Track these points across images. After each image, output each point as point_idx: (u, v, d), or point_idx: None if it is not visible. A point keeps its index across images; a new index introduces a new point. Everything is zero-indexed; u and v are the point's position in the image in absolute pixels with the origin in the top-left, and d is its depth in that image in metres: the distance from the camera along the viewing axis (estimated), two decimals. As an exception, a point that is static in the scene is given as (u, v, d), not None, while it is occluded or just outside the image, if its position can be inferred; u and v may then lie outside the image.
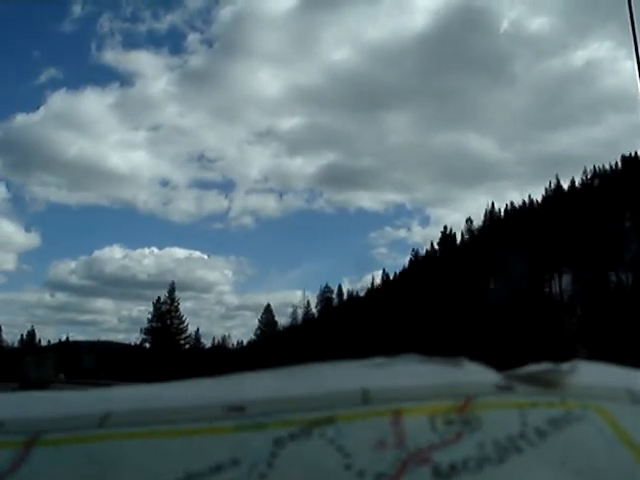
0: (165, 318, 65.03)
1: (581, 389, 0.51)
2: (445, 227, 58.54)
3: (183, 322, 66.21)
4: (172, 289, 64.51)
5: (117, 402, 0.53)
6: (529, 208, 57.15)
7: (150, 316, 61.25)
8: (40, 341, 76.20)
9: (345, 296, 69.38)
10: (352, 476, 0.44)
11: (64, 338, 78.91)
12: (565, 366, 0.54)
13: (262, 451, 0.46)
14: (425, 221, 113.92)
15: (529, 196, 59.66)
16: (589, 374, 0.54)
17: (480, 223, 59.71)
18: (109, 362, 58.04)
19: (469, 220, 60.87)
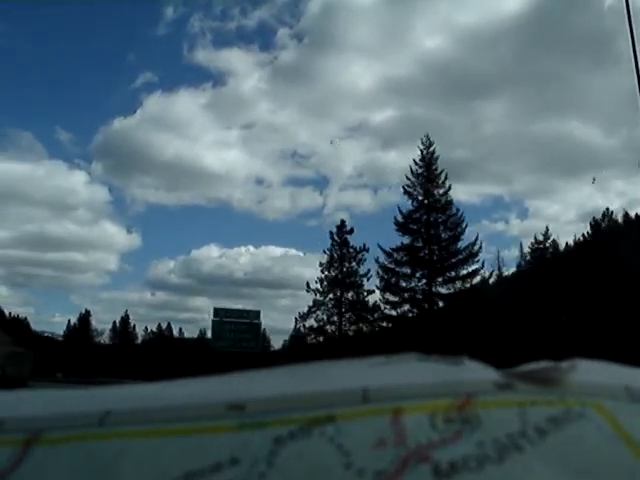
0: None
1: (581, 387, 0.51)
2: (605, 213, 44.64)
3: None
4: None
5: (117, 401, 0.53)
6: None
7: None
8: (136, 337, 77.39)
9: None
10: (352, 475, 0.44)
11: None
12: (565, 364, 0.54)
13: (262, 450, 0.46)
14: (524, 214, 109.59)
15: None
16: (589, 372, 0.54)
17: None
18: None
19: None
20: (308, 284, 44.82)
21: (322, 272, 44.76)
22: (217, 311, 43.77)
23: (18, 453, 0.47)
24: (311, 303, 44.31)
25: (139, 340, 77.68)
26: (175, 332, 79.69)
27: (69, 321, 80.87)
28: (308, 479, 0.44)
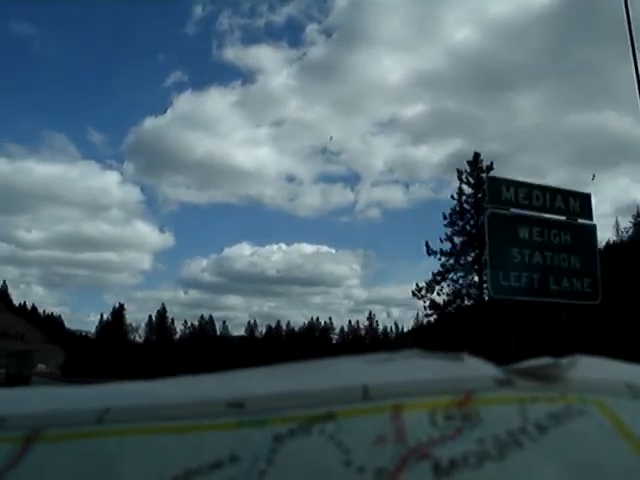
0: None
1: (581, 384, 0.51)
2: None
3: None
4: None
5: (116, 398, 0.53)
6: None
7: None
8: (174, 332, 74.30)
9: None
10: (352, 472, 0.44)
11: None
12: (565, 361, 0.54)
13: (262, 448, 0.46)
14: None
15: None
16: (589, 369, 0.54)
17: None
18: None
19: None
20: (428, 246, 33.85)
21: (451, 224, 34.27)
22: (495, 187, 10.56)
23: (18, 450, 0.47)
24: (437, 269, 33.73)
25: (177, 336, 72.45)
26: (218, 327, 74.50)
27: (102, 316, 76.42)
28: (308, 477, 0.44)
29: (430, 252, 34.56)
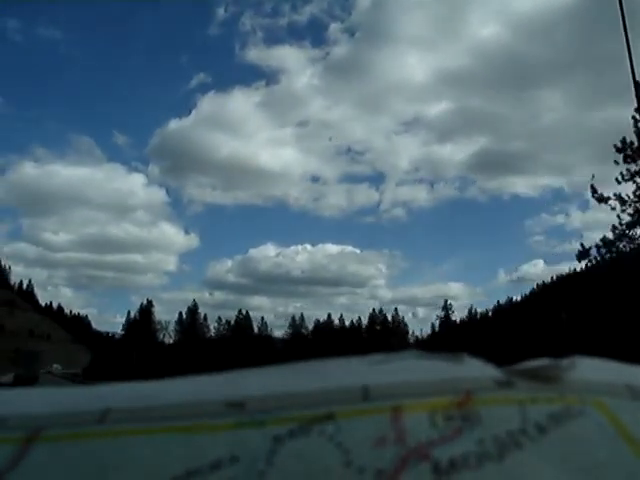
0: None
1: (581, 384, 0.51)
2: None
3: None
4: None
5: (117, 399, 0.53)
6: None
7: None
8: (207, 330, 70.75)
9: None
10: (352, 473, 0.44)
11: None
12: (565, 361, 0.54)
13: (261, 448, 0.46)
14: (584, 205, 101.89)
15: None
16: (589, 369, 0.54)
17: None
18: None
19: None
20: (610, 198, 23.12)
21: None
22: None
23: (19, 450, 0.47)
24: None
25: (211, 333, 67.18)
26: (255, 326, 69.24)
27: (128, 313, 71.64)
28: (308, 477, 0.44)
29: (600, 198, 25.06)
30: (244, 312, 76.90)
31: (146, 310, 73.08)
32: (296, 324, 73.88)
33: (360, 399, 0.49)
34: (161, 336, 71.42)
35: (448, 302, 74.34)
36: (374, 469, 0.44)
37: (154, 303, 77.81)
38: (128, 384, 0.59)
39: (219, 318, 74.51)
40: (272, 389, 0.51)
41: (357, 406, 0.49)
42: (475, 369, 0.53)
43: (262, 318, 77.84)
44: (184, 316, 73.06)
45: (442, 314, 73.40)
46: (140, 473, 0.45)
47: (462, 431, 0.46)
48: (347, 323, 77.33)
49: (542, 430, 0.46)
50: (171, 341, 70.71)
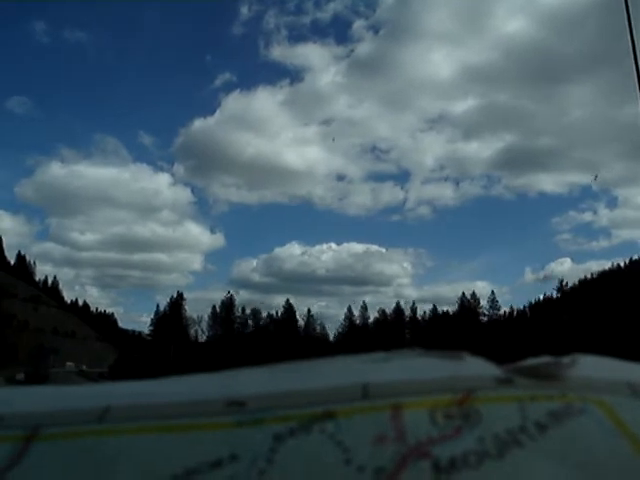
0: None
1: (581, 382, 0.51)
2: None
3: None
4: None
5: (116, 397, 0.53)
6: None
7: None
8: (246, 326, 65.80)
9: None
10: (352, 471, 0.44)
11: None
12: (565, 359, 0.54)
13: (261, 447, 0.46)
14: (613, 203, 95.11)
15: None
16: (589, 367, 0.54)
17: None
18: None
19: None
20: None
21: None
22: None
23: (18, 449, 0.47)
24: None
25: (250, 328, 61.19)
26: (300, 320, 63.18)
27: (157, 306, 65.93)
28: (308, 476, 0.44)
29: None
30: (286, 304, 71.00)
31: (176, 303, 67.73)
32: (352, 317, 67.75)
33: (360, 397, 0.49)
34: (192, 332, 65.95)
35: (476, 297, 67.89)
36: (374, 467, 0.44)
37: (184, 296, 72.42)
38: (128, 382, 0.59)
39: (257, 310, 68.43)
40: (272, 388, 0.51)
41: (357, 404, 0.48)
42: (475, 367, 0.53)
43: (308, 310, 71.76)
44: (218, 310, 67.28)
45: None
46: (140, 472, 0.45)
47: (462, 429, 0.46)
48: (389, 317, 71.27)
49: (542, 428, 0.46)
50: (204, 337, 65.22)
